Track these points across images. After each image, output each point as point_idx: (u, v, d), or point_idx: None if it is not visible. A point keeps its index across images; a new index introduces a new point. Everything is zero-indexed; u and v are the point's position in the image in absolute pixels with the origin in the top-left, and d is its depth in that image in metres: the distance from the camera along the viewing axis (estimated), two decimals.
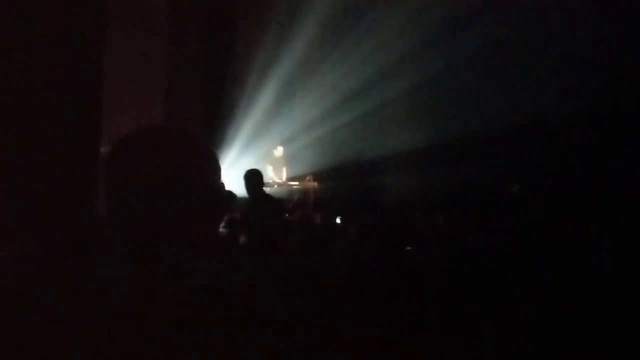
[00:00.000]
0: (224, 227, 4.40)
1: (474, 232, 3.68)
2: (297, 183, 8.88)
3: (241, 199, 5.06)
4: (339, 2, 8.93)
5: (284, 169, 9.12)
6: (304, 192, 8.65)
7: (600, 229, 3.21)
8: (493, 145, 7.96)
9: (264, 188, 6.04)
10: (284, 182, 8.99)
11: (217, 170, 1.02)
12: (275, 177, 8.99)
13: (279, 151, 9.14)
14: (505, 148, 7.87)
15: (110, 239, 0.97)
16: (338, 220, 5.91)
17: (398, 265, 2.73)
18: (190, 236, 0.94)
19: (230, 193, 4.87)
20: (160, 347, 0.87)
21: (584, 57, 7.50)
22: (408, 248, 2.99)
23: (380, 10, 9.09)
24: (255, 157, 9.35)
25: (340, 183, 8.84)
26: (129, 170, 0.95)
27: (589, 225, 3.40)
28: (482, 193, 6.90)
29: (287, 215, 7.75)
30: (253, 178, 4.39)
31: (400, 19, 8.95)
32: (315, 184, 8.77)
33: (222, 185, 1.02)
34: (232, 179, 5.72)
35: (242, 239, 4.09)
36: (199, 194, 0.96)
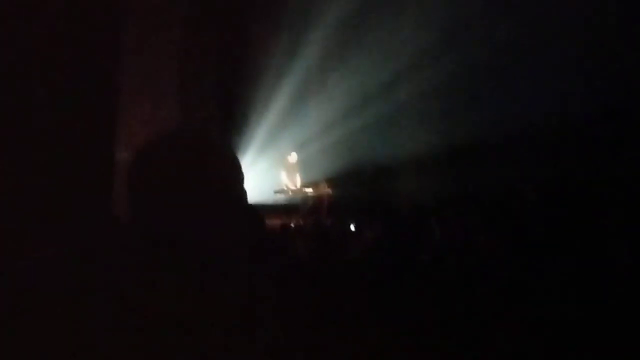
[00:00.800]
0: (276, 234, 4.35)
1: (489, 236, 3.63)
2: (311, 189, 8.87)
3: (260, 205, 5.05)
4: (354, 4, 8.96)
5: (298, 175, 9.12)
6: (318, 198, 8.65)
7: (617, 232, 3.15)
8: (509, 149, 7.90)
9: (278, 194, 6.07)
10: (298, 188, 9.00)
11: (238, 174, 1.01)
12: (289, 183, 8.99)
13: (292, 157, 9.14)
14: (521, 151, 7.80)
15: (130, 240, 0.97)
16: (352, 228, 5.90)
17: (413, 270, 2.71)
18: (211, 238, 0.94)
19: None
20: (168, 346, 0.87)
21: (601, 59, 7.43)
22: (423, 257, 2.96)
23: (395, 13, 9.10)
24: (269, 163, 9.38)
25: (355, 189, 8.83)
26: (152, 174, 0.96)
27: (606, 229, 3.34)
28: (497, 197, 6.84)
29: (301, 220, 7.78)
30: None
31: (415, 21, 8.94)
32: (329, 190, 8.76)
33: (243, 189, 1.02)
34: (247, 185, 5.68)
35: (300, 245, 4.04)
36: (220, 198, 0.96)
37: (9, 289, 0.94)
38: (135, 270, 0.94)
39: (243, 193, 1.04)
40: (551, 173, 7.47)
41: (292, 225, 6.84)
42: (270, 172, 9.20)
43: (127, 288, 0.91)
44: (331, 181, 8.95)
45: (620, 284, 2.42)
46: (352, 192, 8.77)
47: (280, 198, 8.83)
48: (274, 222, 6.35)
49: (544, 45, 7.97)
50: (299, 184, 9.05)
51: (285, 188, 8.92)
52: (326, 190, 8.73)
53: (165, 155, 0.97)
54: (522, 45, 7.99)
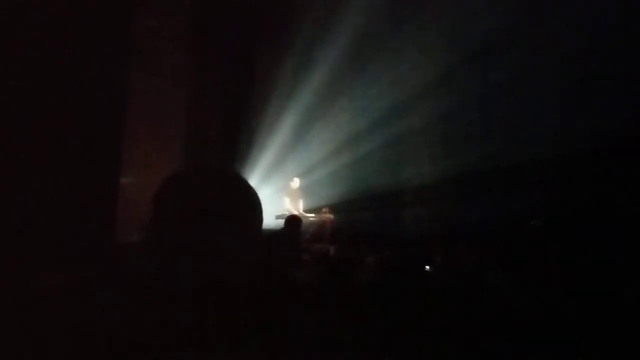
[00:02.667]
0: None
1: (493, 265, 3.61)
2: (313, 215, 8.87)
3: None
4: (356, 32, 9.09)
5: (301, 201, 9.13)
6: (320, 224, 8.64)
7: (627, 262, 3.13)
8: (513, 178, 7.89)
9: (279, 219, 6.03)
10: (301, 214, 8.99)
11: (256, 208, 1.04)
12: (292, 208, 9.00)
13: (295, 183, 9.17)
14: (525, 180, 7.80)
15: (141, 265, 1.00)
16: (354, 254, 5.87)
17: (416, 299, 2.68)
18: (226, 269, 0.96)
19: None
20: None
21: (607, 88, 7.46)
22: (427, 268, 2.94)
23: (400, 42, 9.22)
24: (272, 189, 9.41)
25: (357, 216, 8.82)
26: (176, 206, 0.99)
27: (616, 260, 3.32)
28: (501, 226, 6.81)
29: (303, 246, 7.75)
30: None
31: (420, 50, 9.06)
32: (332, 216, 8.76)
33: (260, 223, 1.04)
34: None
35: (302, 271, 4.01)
36: (238, 231, 1.00)
37: (15, 314, 0.94)
38: (142, 297, 0.95)
39: (260, 226, 1.07)
40: (559, 202, 7.45)
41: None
42: (273, 197, 9.22)
43: (132, 312, 0.92)
44: (334, 207, 8.95)
45: (632, 315, 2.38)
46: (354, 219, 8.75)
47: (282, 223, 8.81)
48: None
49: (550, 74, 8.03)
50: (301, 210, 9.05)
51: (288, 213, 8.91)
52: (329, 216, 8.73)
53: (189, 190, 1.00)
54: (528, 73, 8.05)
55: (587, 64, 7.59)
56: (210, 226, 0.98)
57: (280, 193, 9.27)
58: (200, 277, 0.97)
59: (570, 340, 2.17)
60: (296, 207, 9.04)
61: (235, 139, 9.66)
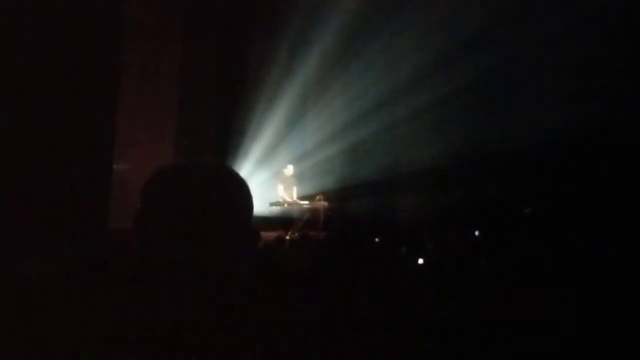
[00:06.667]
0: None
1: (485, 251, 3.64)
2: (307, 202, 8.87)
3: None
4: (347, 22, 9.04)
5: (295, 188, 9.12)
6: (314, 211, 8.65)
7: (615, 247, 3.16)
8: (506, 165, 7.92)
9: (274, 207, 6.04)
10: (294, 201, 9.00)
11: (248, 202, 1.04)
12: (286, 195, 9.00)
13: (289, 170, 9.15)
14: (516, 166, 7.83)
15: (134, 255, 1.00)
16: (348, 241, 5.88)
17: (407, 283, 2.70)
18: (217, 264, 0.96)
19: None
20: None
21: (605, 75, 7.47)
22: (420, 261, 2.97)
23: (391, 30, 9.18)
24: (265, 176, 9.39)
25: (351, 202, 8.83)
26: (164, 199, 0.99)
27: (605, 247, 3.35)
28: (494, 212, 6.86)
29: (297, 233, 7.76)
30: None
31: (414, 36, 9.02)
32: (326, 203, 8.76)
33: (251, 216, 1.05)
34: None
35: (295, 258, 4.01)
36: (228, 225, 1.00)
37: (7, 300, 0.94)
38: (134, 283, 0.96)
39: (250, 217, 1.07)
40: (547, 188, 7.49)
41: (288, 238, 6.82)
42: (266, 184, 9.21)
43: (125, 300, 0.92)
44: (328, 194, 8.95)
45: (617, 303, 2.41)
46: (348, 206, 8.77)
47: (276, 210, 8.82)
48: (269, 234, 6.33)
49: (538, 62, 8.04)
50: (295, 197, 9.05)
51: (282, 200, 8.92)
52: (322, 203, 8.73)
53: (178, 183, 1.01)
54: (515, 61, 8.06)
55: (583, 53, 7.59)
56: (198, 218, 0.99)
57: (274, 180, 9.26)
58: (188, 268, 0.98)
59: (561, 325, 2.20)
60: (290, 194, 9.03)
61: (228, 128, 9.61)
